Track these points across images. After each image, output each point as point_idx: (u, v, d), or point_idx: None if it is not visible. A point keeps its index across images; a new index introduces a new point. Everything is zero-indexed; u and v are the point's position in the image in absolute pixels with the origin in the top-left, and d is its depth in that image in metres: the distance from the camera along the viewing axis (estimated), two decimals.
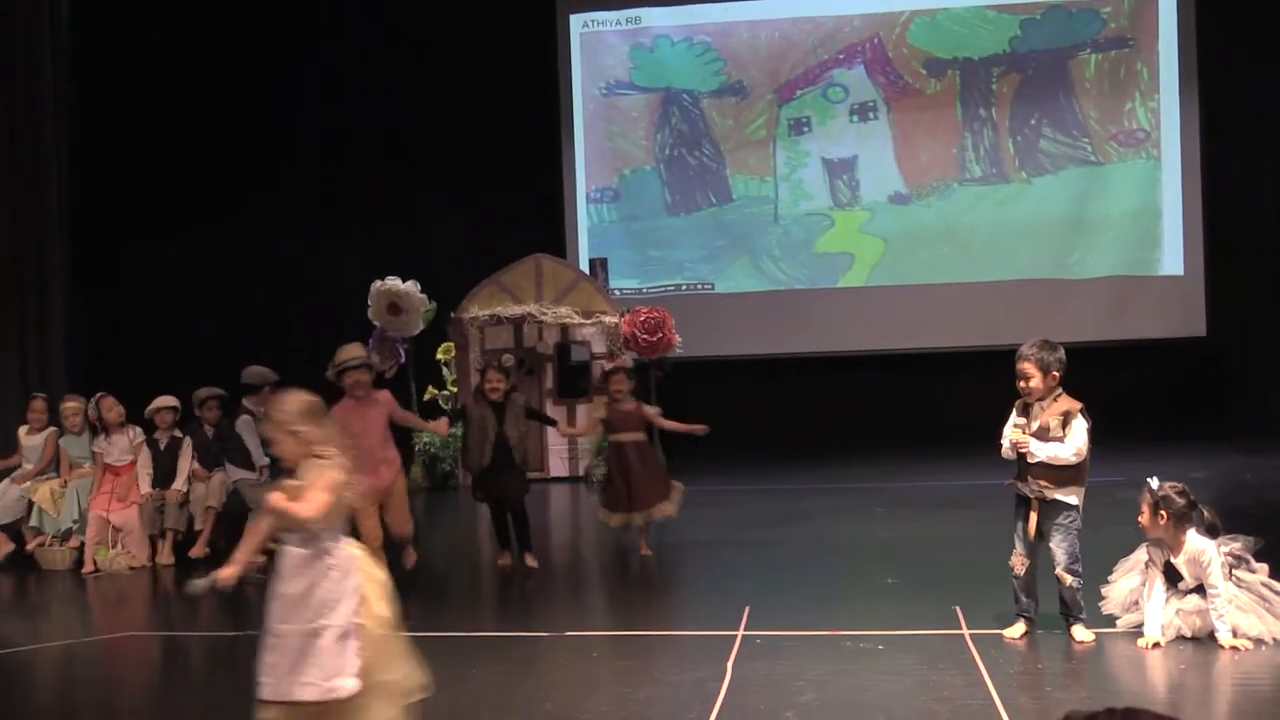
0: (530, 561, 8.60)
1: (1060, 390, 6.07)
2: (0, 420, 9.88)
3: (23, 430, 9.80)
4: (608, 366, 9.66)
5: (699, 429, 8.83)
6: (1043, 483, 6.00)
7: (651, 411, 9.00)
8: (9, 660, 6.71)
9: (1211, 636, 5.88)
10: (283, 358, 11.27)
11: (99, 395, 9.54)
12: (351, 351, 8.09)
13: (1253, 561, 6.08)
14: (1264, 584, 6.03)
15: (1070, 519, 6.03)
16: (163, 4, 15.31)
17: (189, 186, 15.72)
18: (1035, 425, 6.01)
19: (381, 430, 8.07)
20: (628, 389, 8.90)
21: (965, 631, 6.24)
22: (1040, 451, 5.96)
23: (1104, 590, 6.28)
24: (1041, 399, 6.04)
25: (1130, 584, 6.22)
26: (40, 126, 10.87)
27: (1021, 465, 6.07)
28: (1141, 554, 6.24)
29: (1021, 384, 6.06)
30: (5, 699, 4.60)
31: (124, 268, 15.68)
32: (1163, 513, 5.88)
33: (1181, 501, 5.91)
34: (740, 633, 6.38)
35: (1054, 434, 5.97)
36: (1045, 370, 6.01)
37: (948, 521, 9.68)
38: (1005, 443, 6.14)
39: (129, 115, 15.25)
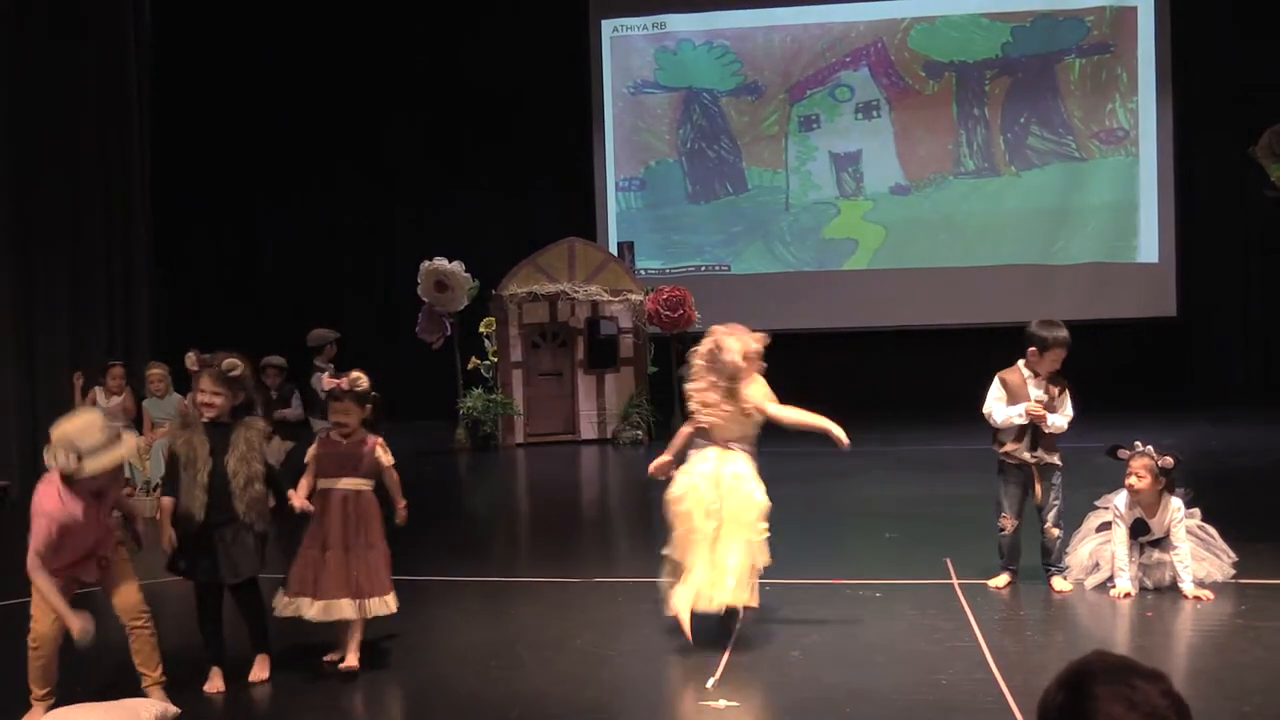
0: (259, 672, 5.03)
1: None
2: (95, 385, 9.89)
3: (98, 392, 9.76)
4: (324, 385, 5.33)
5: (400, 511, 5.25)
6: (1047, 451, 6.00)
7: (386, 459, 5.18)
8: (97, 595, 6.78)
9: (1172, 587, 5.88)
10: (338, 324, 11.28)
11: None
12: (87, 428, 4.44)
13: (1184, 508, 6.07)
14: (1199, 526, 6.11)
15: (1059, 479, 6.06)
16: (234, 7, 15.34)
17: (255, 176, 15.81)
18: (1043, 397, 5.96)
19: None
20: (355, 419, 5.14)
21: (955, 581, 6.24)
22: (1055, 422, 5.94)
23: (1066, 560, 6.21)
24: (1045, 373, 6.00)
25: (1088, 549, 6.19)
26: (126, 115, 10.93)
27: (1033, 435, 6.00)
28: (1093, 521, 6.25)
29: (1063, 356, 5.98)
30: (99, 629, 4.69)
31: (197, 247, 15.82)
32: (1161, 479, 5.87)
33: (1176, 471, 5.90)
34: None
35: (1055, 401, 5.98)
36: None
37: (939, 482, 9.67)
38: (999, 413, 6.04)
39: (202, 105, 15.30)
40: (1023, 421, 5.99)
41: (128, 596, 4.68)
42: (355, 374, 5.21)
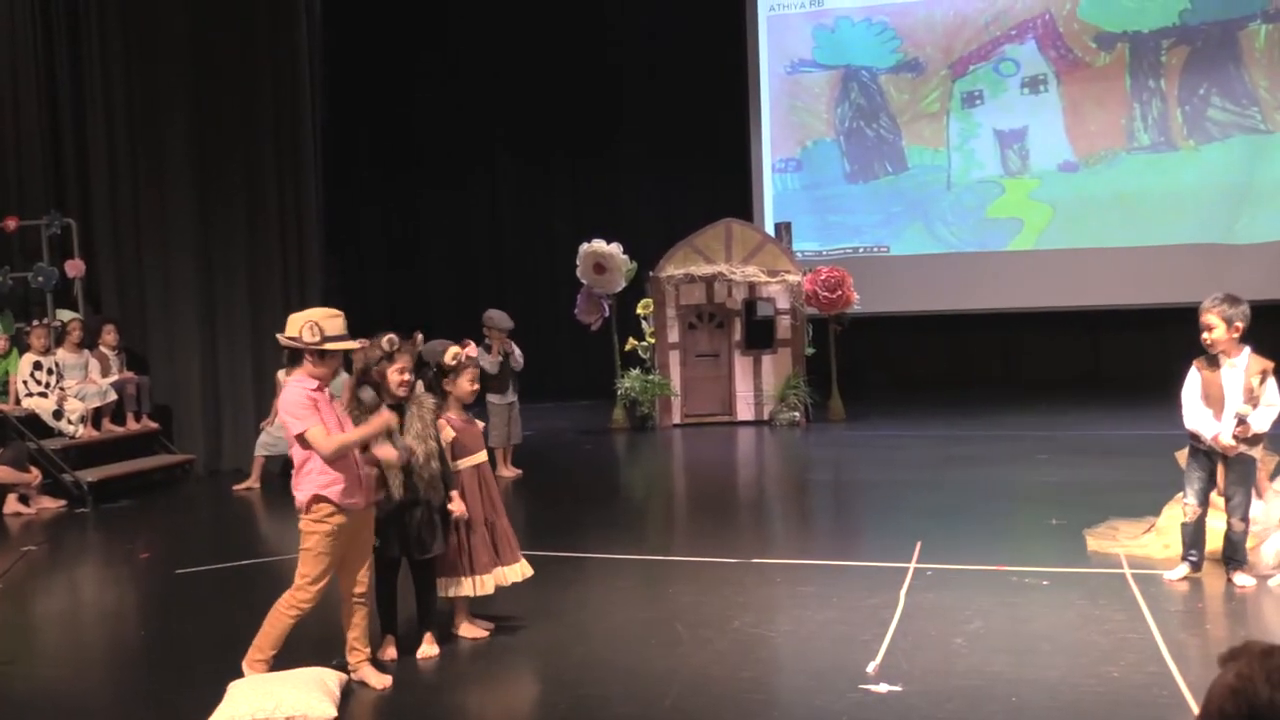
0: (429, 648, 5.11)
1: (1244, 346, 5.67)
2: (274, 364, 10.35)
3: (281, 373, 10.20)
4: (455, 354, 5.32)
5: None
6: (1242, 445, 5.66)
7: (447, 433, 5.23)
8: (283, 565, 7.10)
9: None
10: (498, 306, 11.51)
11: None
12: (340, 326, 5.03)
13: None
14: None
15: (1251, 471, 5.74)
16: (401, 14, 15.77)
17: (418, 162, 16.25)
18: (1237, 387, 5.58)
19: None
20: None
21: (1127, 571, 6.01)
22: (1253, 425, 5.54)
23: (1249, 558, 5.86)
24: (1225, 352, 5.65)
25: (1275, 545, 5.86)
26: (299, 115, 11.37)
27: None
28: (1276, 511, 5.90)
29: (1205, 336, 5.63)
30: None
31: (364, 232, 16.36)
32: None
33: None
34: (912, 565, 6.28)
35: (1255, 393, 5.58)
36: (1228, 322, 5.57)
37: (1107, 468, 9.28)
38: (1189, 417, 5.70)
39: (368, 94, 15.79)
40: (1213, 443, 5.65)
41: (358, 571, 4.81)
42: (469, 344, 5.48)
